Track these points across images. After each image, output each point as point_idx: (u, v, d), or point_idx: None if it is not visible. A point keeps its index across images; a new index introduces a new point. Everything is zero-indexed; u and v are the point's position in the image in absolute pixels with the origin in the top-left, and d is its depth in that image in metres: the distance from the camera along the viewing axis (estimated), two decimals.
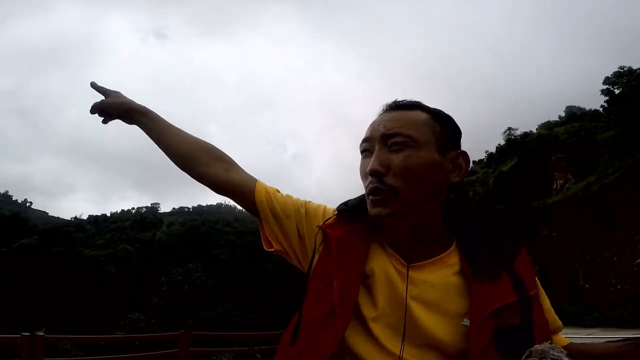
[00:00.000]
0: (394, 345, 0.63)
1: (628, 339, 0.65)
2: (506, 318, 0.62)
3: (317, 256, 0.73)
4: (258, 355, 7.58)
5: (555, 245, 23.33)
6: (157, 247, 69.82)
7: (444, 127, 0.71)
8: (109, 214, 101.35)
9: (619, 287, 18.59)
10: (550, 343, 0.55)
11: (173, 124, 0.90)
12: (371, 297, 0.67)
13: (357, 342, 0.64)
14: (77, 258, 58.22)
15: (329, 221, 0.75)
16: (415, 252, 0.69)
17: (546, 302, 0.72)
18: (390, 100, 0.75)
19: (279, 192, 0.84)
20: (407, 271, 0.67)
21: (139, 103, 0.91)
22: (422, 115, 0.70)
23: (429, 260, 0.69)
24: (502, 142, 47.48)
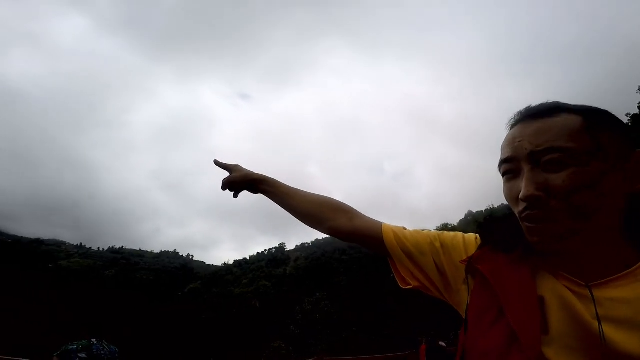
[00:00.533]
0: None
1: None
2: None
3: (468, 293, 0.67)
4: None
5: None
6: (288, 281, 78.17)
7: (604, 127, 0.56)
8: (248, 257, 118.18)
9: None
10: None
11: (292, 185, 0.97)
12: (550, 324, 0.57)
13: None
14: (229, 297, 69.88)
15: (475, 254, 0.67)
16: (593, 270, 0.58)
17: None
18: (522, 107, 0.61)
19: (405, 229, 0.82)
20: (590, 291, 0.56)
21: (258, 173, 1.00)
22: (574, 119, 0.56)
23: (612, 277, 0.56)
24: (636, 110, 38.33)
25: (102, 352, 1.49)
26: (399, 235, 0.79)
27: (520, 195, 0.56)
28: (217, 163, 1.06)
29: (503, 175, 0.62)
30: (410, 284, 0.78)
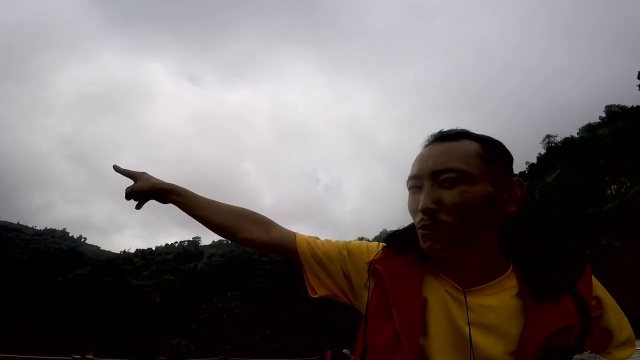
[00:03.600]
0: None
1: None
2: (558, 340, 0.61)
3: (368, 292, 0.74)
4: None
5: (617, 255, 21.31)
6: (198, 277, 71.88)
7: (495, 156, 0.68)
8: (154, 248, 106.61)
9: None
10: (591, 352, 0.55)
11: (202, 195, 0.94)
12: (429, 324, 0.67)
13: None
14: (125, 288, 61.32)
15: (377, 256, 0.76)
16: (470, 277, 0.68)
17: (613, 315, 0.70)
18: (434, 130, 0.73)
19: (318, 239, 0.87)
20: (465, 296, 0.66)
21: (167, 182, 0.95)
22: (473, 146, 0.67)
23: (485, 285, 0.67)
24: (543, 151, 44.98)
25: None
26: (311, 244, 0.84)
27: (419, 207, 0.66)
28: (117, 169, 0.97)
29: (409, 189, 0.72)
30: (317, 294, 0.84)
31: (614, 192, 27.26)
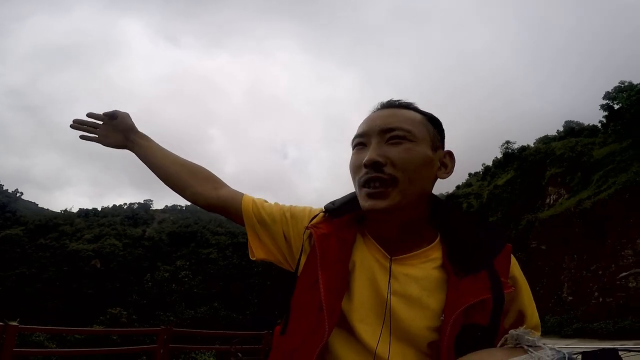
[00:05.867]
0: (372, 339, 0.65)
1: (597, 350, 0.63)
2: (476, 316, 0.62)
3: (304, 256, 0.75)
4: (240, 355, 7.28)
5: (544, 258, 23.24)
6: (145, 244, 68.95)
7: (435, 127, 0.74)
8: (100, 209, 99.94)
9: (601, 299, 18.54)
10: (525, 329, 0.56)
11: (165, 147, 0.94)
12: (353, 291, 0.68)
13: (337, 336, 0.66)
14: (62, 251, 57.32)
15: (314, 220, 0.76)
16: (399, 245, 0.70)
17: (527, 297, 0.72)
18: (385, 100, 0.77)
19: (266, 202, 0.87)
20: (390, 264, 0.68)
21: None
22: (417, 115, 0.73)
23: (411, 254, 0.69)
24: (500, 156, 47.44)
25: None
26: (257, 204, 0.85)
27: (365, 160, 0.67)
28: (92, 115, 0.96)
29: (354, 147, 0.74)
30: (255, 256, 0.84)
31: (552, 202, 29.40)
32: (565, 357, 0.45)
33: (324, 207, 0.78)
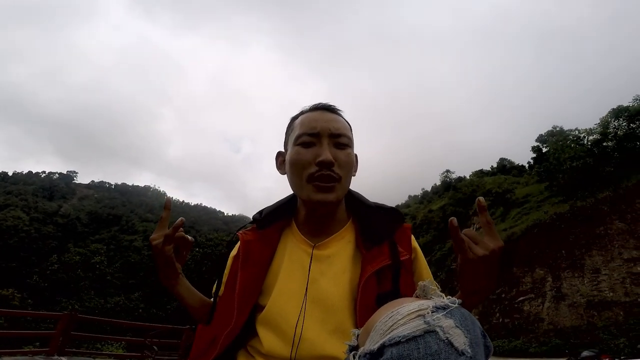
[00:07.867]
0: (294, 317, 0.74)
1: None
2: (384, 284, 0.74)
3: (230, 261, 0.88)
4: (155, 348, 6.83)
5: (455, 277, 25.11)
6: (59, 221, 61.30)
7: (351, 133, 0.88)
8: (10, 174, 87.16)
9: (501, 320, 20.39)
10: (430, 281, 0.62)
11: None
12: (281, 280, 0.79)
13: (262, 322, 0.77)
14: None
15: (243, 229, 0.89)
16: (323, 231, 0.84)
17: (424, 267, 0.85)
18: (323, 102, 0.89)
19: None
20: (312, 250, 0.81)
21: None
22: (347, 123, 0.88)
23: (330, 238, 0.83)
24: (439, 183, 50.69)
25: None
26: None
27: (322, 158, 0.78)
28: (168, 205, 0.89)
29: (299, 144, 0.82)
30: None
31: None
32: (455, 303, 0.50)
33: (252, 218, 0.88)
